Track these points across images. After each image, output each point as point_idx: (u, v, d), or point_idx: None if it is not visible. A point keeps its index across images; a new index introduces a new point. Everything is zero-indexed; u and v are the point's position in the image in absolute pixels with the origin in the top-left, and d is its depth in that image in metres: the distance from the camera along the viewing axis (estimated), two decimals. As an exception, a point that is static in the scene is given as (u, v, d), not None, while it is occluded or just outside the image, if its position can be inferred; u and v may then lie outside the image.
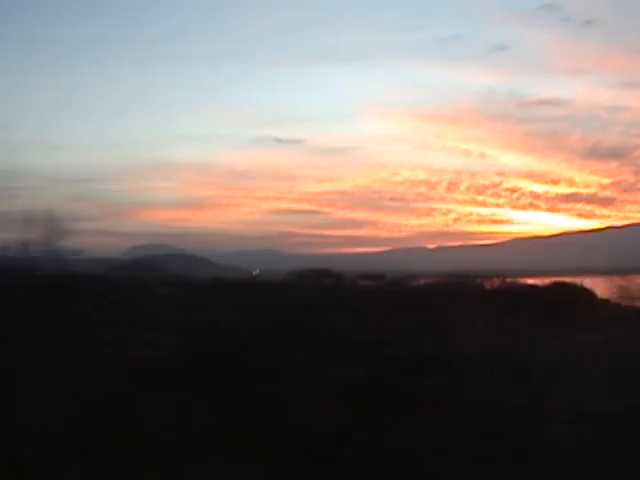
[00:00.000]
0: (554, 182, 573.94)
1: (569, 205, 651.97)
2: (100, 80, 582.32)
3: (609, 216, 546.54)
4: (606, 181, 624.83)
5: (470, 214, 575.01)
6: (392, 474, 10.86)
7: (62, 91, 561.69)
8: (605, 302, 28.81)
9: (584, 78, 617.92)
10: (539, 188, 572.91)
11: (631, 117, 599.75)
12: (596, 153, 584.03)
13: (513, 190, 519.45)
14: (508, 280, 29.06)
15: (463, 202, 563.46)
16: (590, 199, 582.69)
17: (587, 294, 29.36)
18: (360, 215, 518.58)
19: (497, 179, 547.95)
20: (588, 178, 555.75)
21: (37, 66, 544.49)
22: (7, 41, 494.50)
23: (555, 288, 28.96)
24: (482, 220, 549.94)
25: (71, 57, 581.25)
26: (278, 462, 10.88)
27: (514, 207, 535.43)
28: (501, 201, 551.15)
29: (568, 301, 28.40)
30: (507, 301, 24.63)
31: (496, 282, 27.27)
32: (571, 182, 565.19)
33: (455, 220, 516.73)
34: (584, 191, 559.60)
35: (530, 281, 31.66)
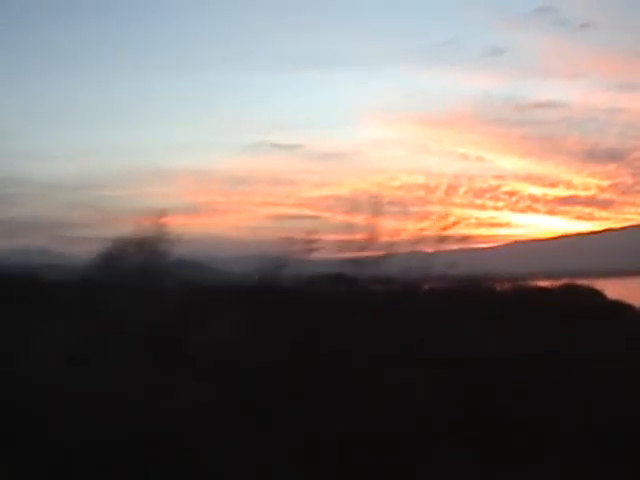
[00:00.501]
0: (552, 185, 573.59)
1: (568, 208, 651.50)
2: (98, 87, 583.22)
3: (608, 218, 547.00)
4: (604, 183, 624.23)
5: (469, 218, 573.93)
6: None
7: (60, 98, 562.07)
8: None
9: (581, 81, 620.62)
10: (537, 191, 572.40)
11: (628, 119, 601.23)
12: (594, 155, 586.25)
13: (512, 193, 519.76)
14: (533, 283, 28.82)
15: (462, 206, 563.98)
16: (589, 201, 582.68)
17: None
18: (358, 220, 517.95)
19: (495, 182, 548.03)
20: (586, 180, 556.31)
21: (35, 74, 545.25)
22: (4, 49, 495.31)
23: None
24: (481, 223, 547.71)
25: (69, 65, 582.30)
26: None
27: (513, 210, 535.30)
28: (500, 204, 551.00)
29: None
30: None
31: (525, 285, 27.03)
32: (569, 185, 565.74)
33: (454, 224, 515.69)
34: (582, 193, 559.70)
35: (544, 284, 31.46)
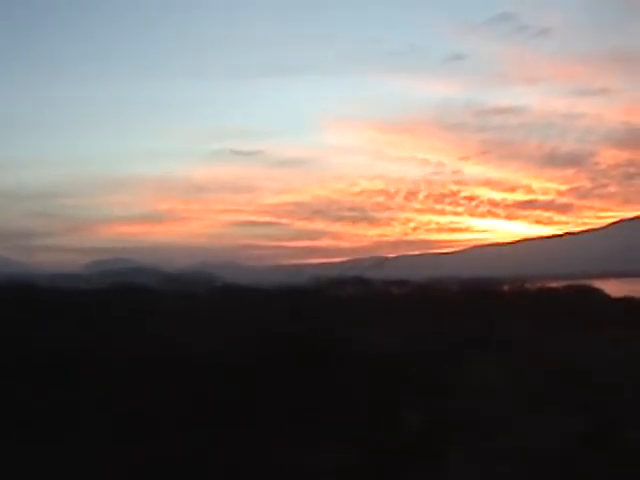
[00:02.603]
0: (512, 189, 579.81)
1: (527, 212, 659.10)
2: (60, 97, 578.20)
3: (567, 222, 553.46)
4: (563, 187, 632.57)
5: (429, 223, 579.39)
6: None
7: (23, 107, 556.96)
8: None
9: (539, 86, 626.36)
10: (497, 196, 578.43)
11: (586, 124, 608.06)
12: (553, 160, 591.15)
13: (471, 198, 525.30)
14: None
15: (422, 211, 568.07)
16: (548, 205, 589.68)
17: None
18: (319, 226, 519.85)
19: (455, 187, 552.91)
20: (545, 185, 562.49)
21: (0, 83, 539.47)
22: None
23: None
24: (441, 228, 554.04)
25: (33, 74, 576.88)
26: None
27: (472, 215, 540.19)
28: (459, 209, 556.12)
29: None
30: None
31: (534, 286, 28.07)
32: (529, 189, 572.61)
33: (414, 229, 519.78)
34: (542, 198, 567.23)
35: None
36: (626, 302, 42.50)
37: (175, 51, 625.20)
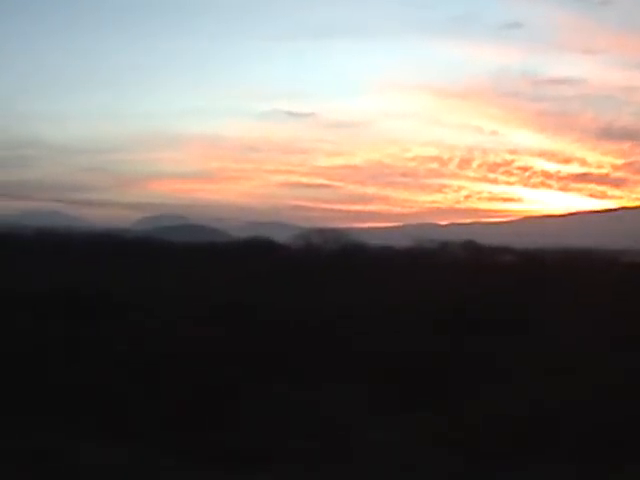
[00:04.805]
0: (566, 161, 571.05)
1: (581, 185, 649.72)
2: (112, 53, 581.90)
3: (621, 197, 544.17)
4: (618, 162, 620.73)
5: (481, 192, 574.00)
6: None
7: (75, 63, 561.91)
8: None
9: (598, 57, 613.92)
10: (551, 167, 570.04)
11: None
12: (609, 133, 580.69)
13: (525, 169, 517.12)
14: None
15: (474, 179, 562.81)
16: (602, 179, 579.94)
17: None
18: (370, 190, 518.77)
19: (509, 157, 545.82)
20: (600, 158, 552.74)
21: (50, 37, 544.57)
22: (21, 12, 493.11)
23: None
24: (493, 198, 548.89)
25: (84, 29, 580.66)
26: None
27: (525, 185, 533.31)
28: (512, 179, 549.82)
29: None
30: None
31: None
32: (583, 162, 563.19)
33: (466, 197, 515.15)
34: (596, 171, 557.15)
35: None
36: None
37: (231, 10, 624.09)
